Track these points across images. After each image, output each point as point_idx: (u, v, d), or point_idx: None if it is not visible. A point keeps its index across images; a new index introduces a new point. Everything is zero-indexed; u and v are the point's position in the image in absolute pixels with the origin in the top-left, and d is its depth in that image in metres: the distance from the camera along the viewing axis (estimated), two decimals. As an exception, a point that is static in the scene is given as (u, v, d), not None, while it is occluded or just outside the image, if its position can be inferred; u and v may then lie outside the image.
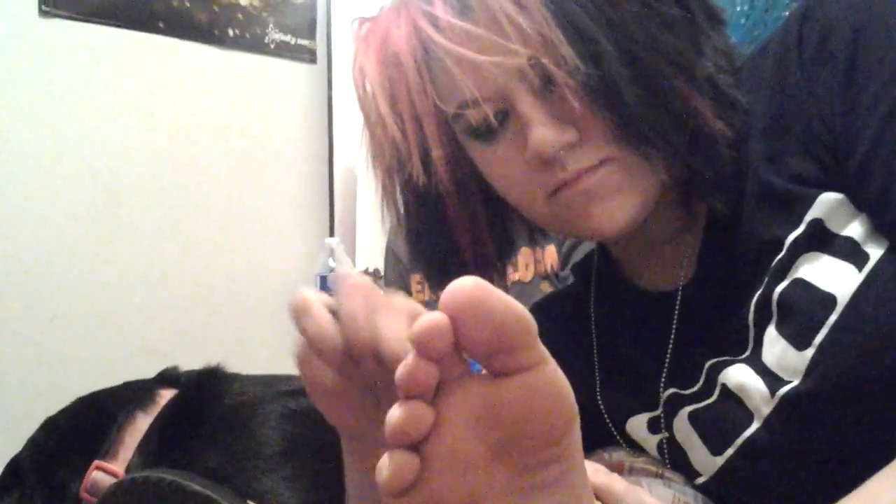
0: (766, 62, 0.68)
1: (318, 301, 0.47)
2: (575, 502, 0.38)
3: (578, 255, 1.37)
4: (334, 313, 0.47)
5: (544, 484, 0.37)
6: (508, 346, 0.34)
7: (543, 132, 0.63)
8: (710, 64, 0.65)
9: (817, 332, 0.61)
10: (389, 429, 0.35)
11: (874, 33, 0.62)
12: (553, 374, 0.35)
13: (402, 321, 0.44)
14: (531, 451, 0.36)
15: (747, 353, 0.67)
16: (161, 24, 2.12)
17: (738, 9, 1.62)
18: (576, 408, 0.37)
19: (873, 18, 0.62)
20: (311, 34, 2.43)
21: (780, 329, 0.64)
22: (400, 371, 0.35)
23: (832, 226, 0.63)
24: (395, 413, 0.35)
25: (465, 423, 0.35)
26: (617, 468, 0.73)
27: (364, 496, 0.58)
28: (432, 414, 0.35)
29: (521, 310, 0.34)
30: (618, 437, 0.81)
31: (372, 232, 2.37)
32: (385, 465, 0.36)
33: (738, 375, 0.66)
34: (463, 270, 0.74)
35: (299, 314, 0.47)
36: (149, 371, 1.00)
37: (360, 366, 0.47)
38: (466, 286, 0.33)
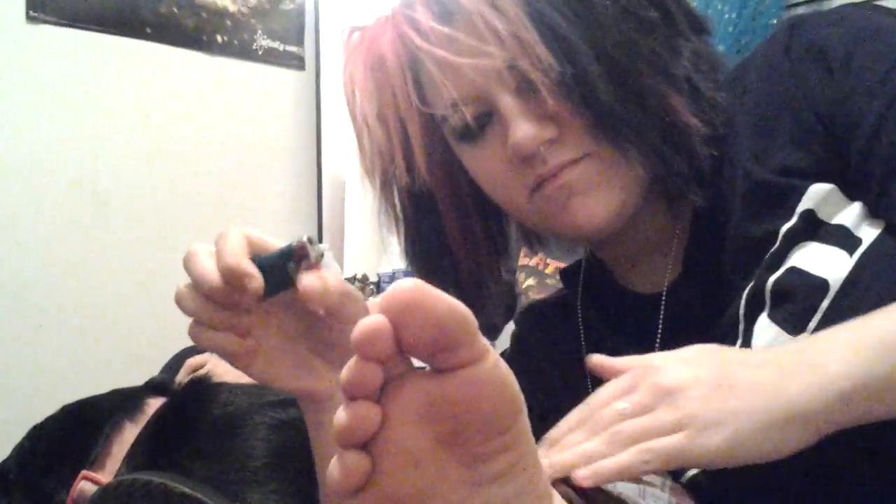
0: (753, 65, 0.70)
1: (202, 250, 0.56)
2: (529, 491, 0.39)
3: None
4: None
5: (496, 474, 0.37)
6: (449, 344, 0.34)
7: (524, 128, 0.65)
8: (687, 64, 0.67)
9: (811, 317, 0.61)
10: (337, 431, 0.35)
11: (868, 39, 0.63)
12: (494, 366, 0.35)
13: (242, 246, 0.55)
14: (479, 442, 0.36)
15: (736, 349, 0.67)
16: (149, 31, 2.12)
17: (727, 17, 1.64)
18: (521, 397, 0.37)
19: (865, 26, 0.64)
20: (300, 41, 2.43)
21: (773, 316, 0.64)
22: (344, 373, 0.35)
23: (823, 215, 0.64)
24: (341, 415, 0.35)
25: (412, 419, 0.36)
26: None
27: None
28: (379, 413, 0.36)
29: (460, 308, 0.34)
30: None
31: (360, 237, 2.37)
32: (335, 466, 0.36)
33: None
34: (456, 271, 0.76)
35: (186, 262, 0.56)
36: (137, 379, 0.99)
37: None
38: (404, 288, 0.33)
